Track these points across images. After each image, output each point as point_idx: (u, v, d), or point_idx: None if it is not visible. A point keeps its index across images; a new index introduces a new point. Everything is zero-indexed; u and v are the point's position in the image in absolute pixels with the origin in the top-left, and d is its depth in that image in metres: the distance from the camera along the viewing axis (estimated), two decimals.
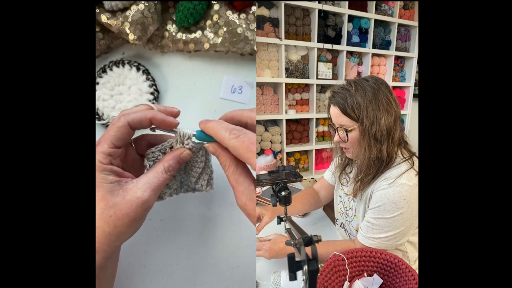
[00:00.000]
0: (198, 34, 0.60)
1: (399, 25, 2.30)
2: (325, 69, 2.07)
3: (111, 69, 0.61)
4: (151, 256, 0.61)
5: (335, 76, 2.13)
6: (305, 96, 2.09)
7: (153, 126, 0.48)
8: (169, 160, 0.48)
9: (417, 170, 0.76)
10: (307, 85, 2.08)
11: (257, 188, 1.16)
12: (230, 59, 0.64)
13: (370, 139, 0.76)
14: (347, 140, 0.79)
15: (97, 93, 0.61)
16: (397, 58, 2.39)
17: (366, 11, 2.12)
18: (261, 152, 1.98)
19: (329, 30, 2.03)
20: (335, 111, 0.80)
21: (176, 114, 0.50)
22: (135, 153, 0.51)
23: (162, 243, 0.61)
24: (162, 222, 0.61)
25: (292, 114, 2.02)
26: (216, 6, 0.59)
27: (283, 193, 0.69)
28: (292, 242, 0.46)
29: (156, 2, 0.58)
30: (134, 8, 0.57)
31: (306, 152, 2.20)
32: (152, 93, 0.61)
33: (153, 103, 0.61)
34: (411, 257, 0.84)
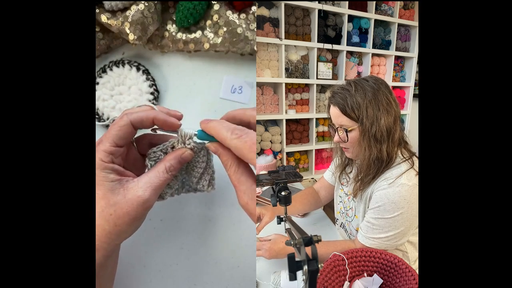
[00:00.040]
0: (198, 34, 0.60)
1: (399, 25, 2.30)
2: (325, 69, 2.07)
3: (111, 69, 0.61)
4: (151, 256, 0.61)
5: (335, 76, 2.13)
6: (305, 96, 2.09)
7: (154, 127, 0.48)
8: (171, 160, 0.48)
9: (417, 170, 0.76)
10: (307, 85, 2.08)
11: (257, 188, 1.16)
12: (230, 59, 0.64)
13: (370, 139, 0.76)
14: (347, 140, 0.79)
15: (97, 93, 0.61)
16: (397, 58, 2.39)
17: (366, 11, 2.12)
18: (261, 152, 1.98)
19: (329, 30, 2.03)
20: (335, 111, 0.80)
21: (178, 118, 0.50)
22: (136, 152, 0.51)
23: (162, 243, 0.61)
24: (162, 222, 0.61)
25: (292, 114, 2.02)
26: (216, 6, 0.59)
27: (283, 193, 0.69)
28: (292, 242, 0.46)
29: (156, 2, 0.58)
30: (134, 8, 0.57)
31: (306, 152, 2.20)
32: (152, 93, 0.61)
33: (153, 103, 0.61)
34: (411, 257, 0.84)
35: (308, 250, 0.41)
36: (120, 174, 0.45)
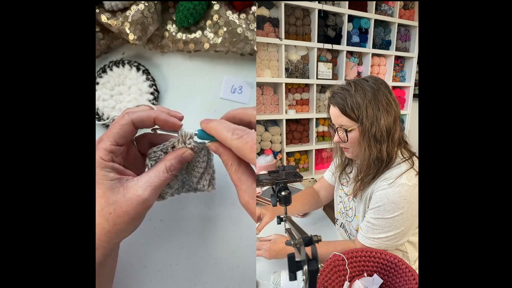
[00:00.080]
0: (198, 34, 0.60)
1: (399, 25, 2.30)
2: (325, 69, 2.07)
3: (111, 69, 0.61)
4: (151, 256, 0.61)
5: (335, 76, 2.13)
6: (305, 96, 2.09)
7: (154, 127, 0.48)
8: (171, 159, 0.48)
9: (417, 170, 0.76)
10: (307, 85, 2.08)
11: (257, 188, 1.16)
12: (230, 59, 0.64)
13: (370, 139, 0.76)
14: (347, 140, 0.79)
15: (97, 93, 0.61)
16: (397, 58, 2.39)
17: (366, 11, 2.12)
18: (261, 152, 1.98)
19: (329, 30, 2.03)
20: (334, 112, 0.80)
21: (179, 119, 0.49)
22: (136, 151, 0.51)
23: (162, 243, 0.61)
24: (162, 222, 0.61)
25: (292, 114, 2.02)
26: (216, 6, 0.59)
27: (283, 193, 0.69)
28: (292, 242, 0.46)
29: (156, 2, 0.58)
30: (134, 8, 0.57)
31: (306, 152, 2.20)
32: (152, 93, 0.61)
33: (153, 103, 0.61)
34: (411, 257, 0.84)
35: (308, 250, 0.41)
36: (120, 173, 0.45)
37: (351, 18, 2.09)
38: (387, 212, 0.75)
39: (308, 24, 1.96)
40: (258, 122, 1.98)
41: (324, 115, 2.07)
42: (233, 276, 0.61)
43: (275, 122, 2.03)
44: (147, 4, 0.57)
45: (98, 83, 0.61)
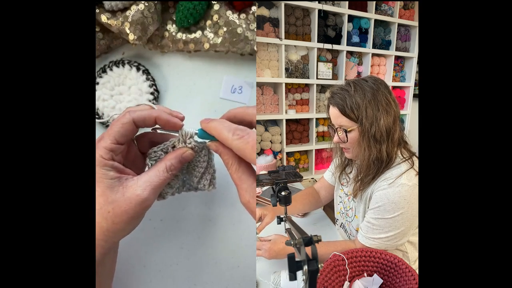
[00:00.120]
0: (198, 34, 0.60)
1: (399, 25, 2.30)
2: (325, 69, 2.07)
3: (111, 69, 0.61)
4: (151, 256, 0.61)
5: (335, 76, 2.13)
6: (305, 96, 2.09)
7: (155, 126, 0.48)
8: (171, 159, 0.48)
9: (417, 170, 0.76)
10: (307, 85, 2.08)
11: (257, 188, 1.16)
12: (230, 59, 0.64)
13: (370, 140, 0.76)
14: (347, 140, 0.79)
15: (97, 93, 0.61)
16: (397, 58, 2.39)
17: (366, 11, 2.12)
18: (261, 152, 1.98)
19: (329, 30, 2.03)
20: (334, 112, 0.80)
21: (180, 119, 0.49)
22: (137, 150, 0.51)
23: (162, 243, 0.61)
24: (162, 222, 0.61)
25: (292, 114, 2.02)
26: (216, 6, 0.59)
27: (283, 193, 0.69)
28: (292, 242, 0.46)
29: (156, 2, 0.58)
30: (134, 8, 0.57)
31: (306, 152, 2.20)
32: (152, 93, 0.61)
33: (153, 103, 0.61)
34: (411, 257, 0.84)
35: (308, 250, 0.41)
36: (119, 171, 0.45)
37: (351, 18, 2.09)
38: (387, 212, 0.75)
39: (308, 24, 1.96)
40: (258, 122, 1.98)
41: (324, 115, 2.07)
42: (233, 276, 0.61)
43: (275, 122, 2.03)
44: (147, 4, 0.57)
45: (98, 83, 0.61)
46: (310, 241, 0.43)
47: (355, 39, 2.13)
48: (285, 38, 1.86)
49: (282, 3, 1.80)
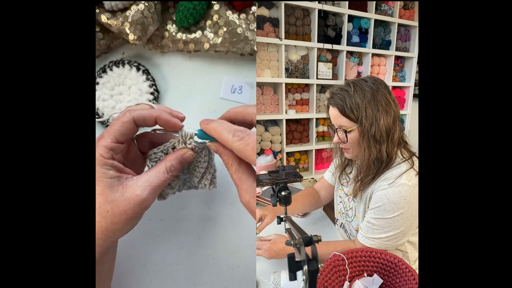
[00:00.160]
0: (198, 34, 0.60)
1: (399, 25, 2.30)
2: (325, 69, 2.07)
3: (111, 69, 0.61)
4: (151, 256, 0.61)
5: (335, 76, 2.13)
6: (305, 96, 2.09)
7: (155, 127, 0.48)
8: (172, 160, 0.48)
9: (417, 170, 0.76)
10: (307, 85, 2.08)
11: (257, 188, 1.16)
12: (230, 59, 0.64)
13: (370, 140, 0.76)
14: (347, 141, 0.79)
15: (97, 93, 0.61)
16: (397, 58, 2.39)
17: (366, 11, 2.12)
18: (261, 152, 1.98)
19: (329, 30, 2.03)
20: (334, 112, 0.80)
21: (181, 119, 0.49)
22: (136, 150, 0.51)
23: (162, 243, 0.61)
24: (162, 222, 0.61)
25: (292, 114, 2.02)
26: (216, 6, 0.59)
27: (283, 193, 0.69)
28: (292, 242, 0.46)
29: (156, 2, 0.58)
30: (134, 8, 0.57)
31: (306, 152, 2.20)
32: (152, 93, 0.61)
33: (153, 103, 0.61)
34: (411, 257, 0.84)
35: (308, 250, 0.41)
36: (119, 171, 0.45)
37: (351, 18, 2.09)
38: (387, 212, 0.75)
39: (308, 24, 1.96)
40: (258, 122, 1.98)
41: (324, 115, 2.07)
42: (233, 276, 0.61)
43: (275, 122, 2.03)
44: (147, 4, 0.57)
45: (98, 83, 0.61)
46: (310, 241, 0.43)
47: (355, 39, 2.13)
48: (285, 38, 1.86)
49: (282, 3, 1.80)
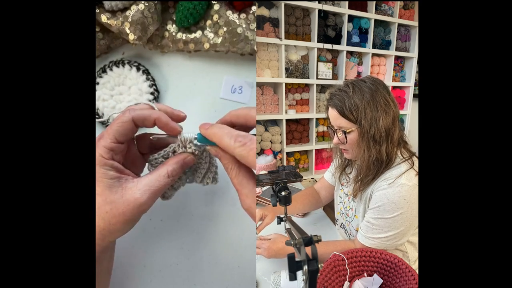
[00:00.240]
0: (198, 34, 0.60)
1: (399, 25, 2.30)
2: (325, 69, 2.07)
3: (111, 69, 0.61)
4: (151, 256, 0.61)
5: (335, 76, 2.13)
6: (305, 96, 2.09)
7: (154, 135, 0.48)
8: (173, 164, 0.47)
9: (417, 170, 0.76)
10: (307, 85, 2.08)
11: (257, 188, 1.16)
12: (230, 59, 0.64)
13: (369, 141, 0.76)
14: (346, 142, 0.79)
15: (97, 93, 0.61)
16: (397, 58, 2.39)
17: (366, 11, 2.12)
18: (261, 152, 1.98)
19: (329, 30, 2.03)
20: (333, 113, 0.80)
21: (182, 119, 0.49)
22: (136, 150, 0.51)
23: (162, 243, 0.61)
24: (162, 222, 0.61)
25: (292, 114, 2.02)
26: (216, 6, 0.59)
27: (283, 193, 0.69)
28: (292, 242, 0.46)
29: (156, 2, 0.58)
30: (134, 8, 0.57)
31: (306, 152, 2.20)
32: (152, 93, 0.61)
33: (153, 103, 0.61)
34: (411, 257, 0.84)
35: (308, 250, 0.41)
36: (119, 171, 0.44)
37: (351, 18, 2.09)
38: (387, 212, 0.75)
39: (308, 24, 1.96)
40: (258, 122, 1.98)
41: (324, 115, 2.07)
42: (233, 276, 0.61)
43: (275, 122, 2.03)
44: (147, 4, 0.57)
45: (98, 83, 0.61)
46: (310, 241, 0.43)
47: (355, 39, 2.13)
48: (285, 38, 1.86)
49: (282, 3, 1.80)
